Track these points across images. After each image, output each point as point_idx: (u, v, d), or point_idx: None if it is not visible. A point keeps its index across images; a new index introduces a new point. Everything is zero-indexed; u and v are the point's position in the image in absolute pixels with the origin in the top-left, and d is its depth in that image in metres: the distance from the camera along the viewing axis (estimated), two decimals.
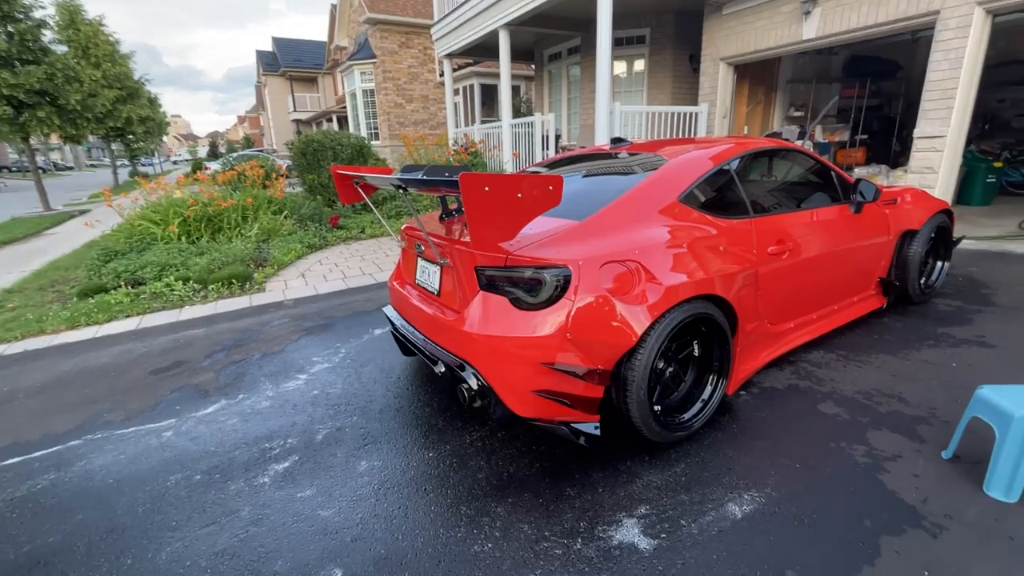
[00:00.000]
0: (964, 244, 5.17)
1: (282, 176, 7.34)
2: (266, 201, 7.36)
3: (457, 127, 12.79)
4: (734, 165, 2.63)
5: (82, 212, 13.45)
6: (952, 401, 2.41)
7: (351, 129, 17.62)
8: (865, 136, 8.79)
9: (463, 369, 2.10)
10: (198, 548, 1.82)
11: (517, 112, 12.73)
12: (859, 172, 7.73)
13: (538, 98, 11.46)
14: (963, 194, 7.57)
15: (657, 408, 2.20)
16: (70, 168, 53.72)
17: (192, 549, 1.82)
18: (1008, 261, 4.62)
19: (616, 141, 3.08)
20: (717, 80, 7.53)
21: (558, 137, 9.49)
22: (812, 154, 3.01)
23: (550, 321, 1.95)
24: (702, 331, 2.29)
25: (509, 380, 2.03)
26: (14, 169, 43.76)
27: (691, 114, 7.70)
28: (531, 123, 8.36)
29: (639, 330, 1.97)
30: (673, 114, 7.70)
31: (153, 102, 29.80)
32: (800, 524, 1.74)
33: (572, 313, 1.94)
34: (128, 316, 4.53)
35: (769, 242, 2.55)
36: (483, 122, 11.92)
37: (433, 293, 2.46)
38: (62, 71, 12.28)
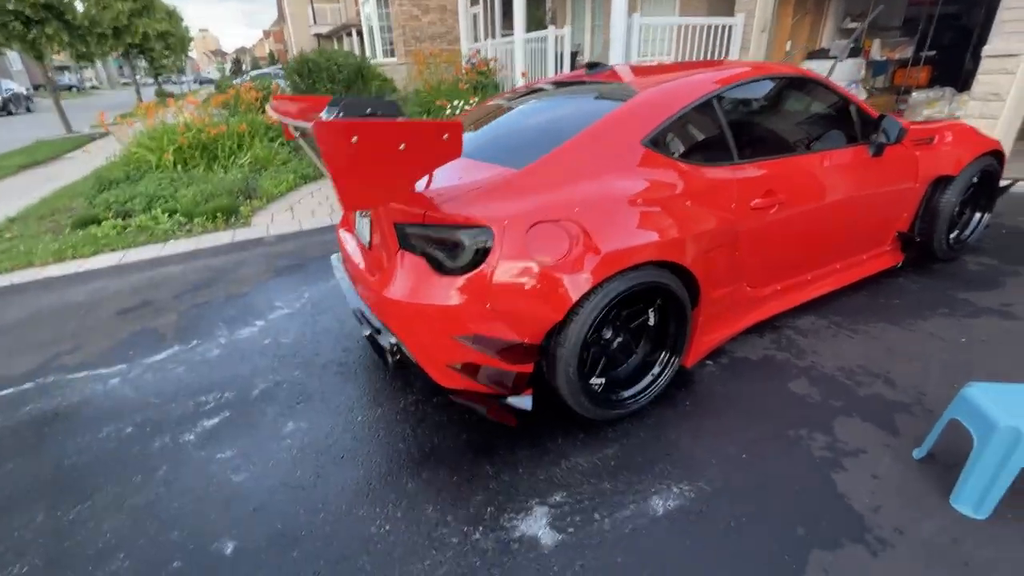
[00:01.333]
0: (1020, 187, 4.50)
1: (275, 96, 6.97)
2: (262, 127, 7.08)
3: (476, 41, 11.83)
4: (720, 100, 2.19)
5: (103, 135, 13.49)
6: (946, 386, 2.10)
7: (367, 45, 16.60)
8: (933, 52, 7.58)
9: (380, 334, 1.93)
10: (106, 510, 1.80)
11: (540, 24, 11.60)
12: (917, 97, 6.78)
13: (560, 8, 10.35)
14: None
15: (599, 382, 1.99)
16: (96, 87, 53.81)
17: (100, 510, 1.80)
18: None
19: (592, 67, 2.62)
20: None
21: (575, 54, 8.61)
22: (827, 82, 2.49)
23: (469, 289, 1.71)
24: (657, 300, 2.01)
25: (430, 351, 1.85)
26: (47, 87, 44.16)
27: (724, 27, 6.76)
28: (544, 38, 7.56)
29: (567, 303, 1.72)
30: (703, 27, 6.78)
31: (172, 15, 28.85)
32: (725, 528, 1.56)
33: (492, 281, 1.70)
34: (113, 250, 4.52)
35: (754, 193, 2.17)
36: (503, 36, 10.95)
37: (365, 246, 2.24)
38: None
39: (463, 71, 8.81)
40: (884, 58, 7.56)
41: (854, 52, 6.79)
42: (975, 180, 3.11)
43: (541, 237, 1.72)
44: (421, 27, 14.74)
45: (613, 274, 1.77)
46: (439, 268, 1.77)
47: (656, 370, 2.08)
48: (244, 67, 52.86)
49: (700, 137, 2.18)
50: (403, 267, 1.84)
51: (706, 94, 2.14)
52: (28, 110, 25.32)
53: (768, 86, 2.45)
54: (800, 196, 2.33)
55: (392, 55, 15.54)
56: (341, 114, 1.75)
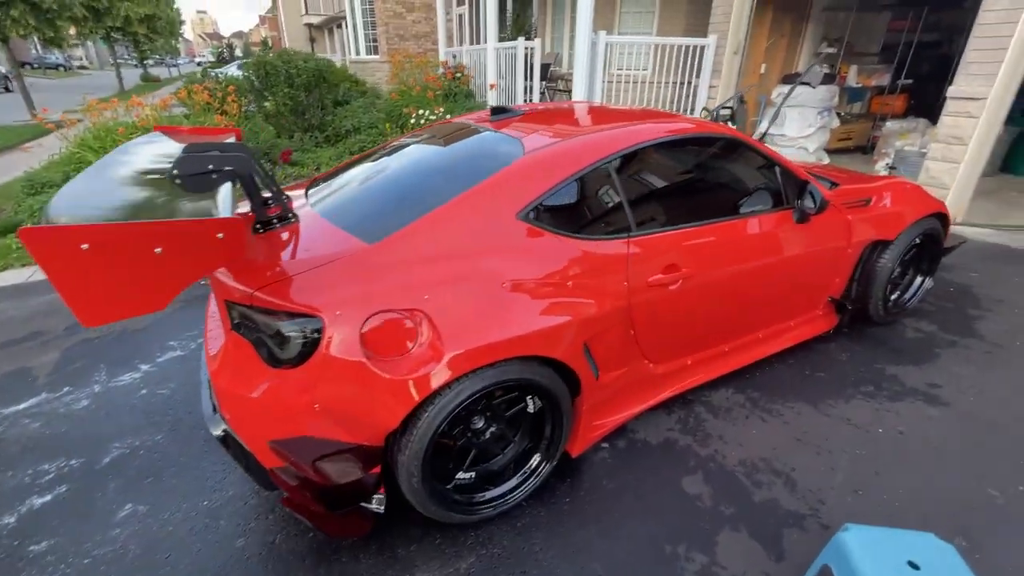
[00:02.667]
0: (980, 235, 4.35)
1: (230, 98, 6.66)
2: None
3: (456, 44, 11.57)
4: (619, 165, 1.98)
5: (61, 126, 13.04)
6: (849, 492, 1.91)
7: (349, 41, 16.24)
8: (910, 81, 7.44)
9: (214, 413, 1.71)
10: None
11: (524, 34, 11.34)
12: (890, 127, 6.63)
13: (541, 17, 10.12)
14: (1012, 162, 6.46)
15: (466, 477, 1.80)
16: (84, 67, 52.65)
17: None
18: None
19: (496, 112, 2.40)
20: (732, 4, 6.29)
21: (547, 66, 8.37)
22: (752, 143, 2.29)
23: (295, 385, 1.49)
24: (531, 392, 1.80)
25: (263, 450, 1.63)
26: (36, 66, 43.22)
27: (696, 48, 6.56)
28: (513, 48, 7.32)
29: (404, 408, 1.51)
30: (674, 48, 6.57)
31: None
32: None
33: (320, 377, 1.48)
34: (24, 265, 4.25)
35: (654, 267, 1.96)
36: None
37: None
38: None
39: (435, 77, 8.54)
40: (860, 85, 7.41)
41: (828, 78, 6.61)
42: (917, 242, 2.93)
43: (379, 330, 1.50)
44: (405, 25, 14.42)
45: (462, 375, 1.55)
46: (270, 357, 1.54)
47: (531, 465, 1.87)
48: (236, 53, 52.05)
49: (591, 208, 1.96)
50: (231, 350, 1.62)
51: (600, 159, 1.93)
52: (7, 89, 24.62)
53: (681, 148, 2.23)
54: (711, 267, 2.13)
55: (375, 52, 15.21)
56: (176, 171, 1.53)
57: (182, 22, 44.05)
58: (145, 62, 31.22)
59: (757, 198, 2.32)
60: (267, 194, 2.29)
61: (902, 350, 2.78)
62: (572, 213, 1.90)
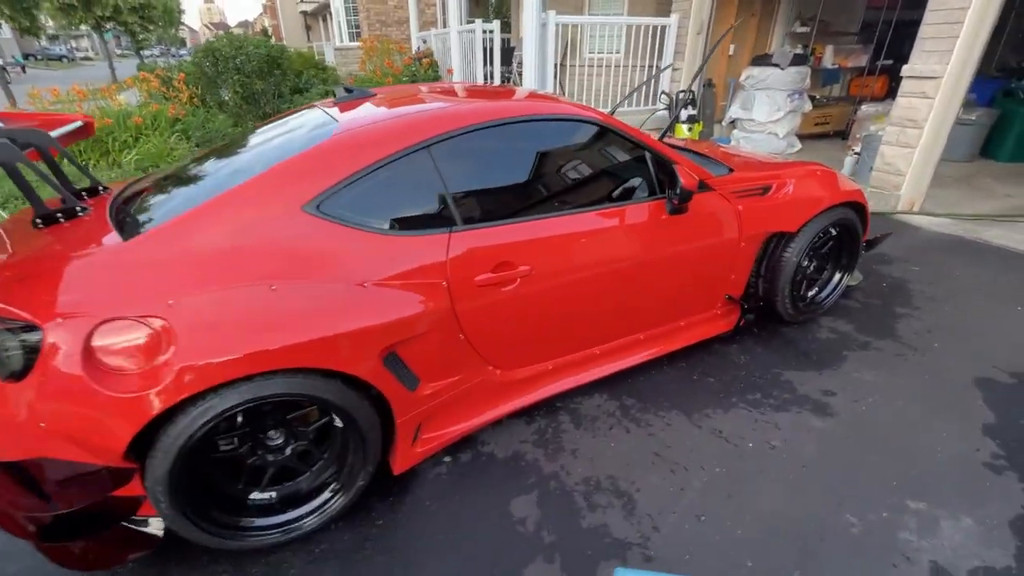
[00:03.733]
0: (934, 224, 4.07)
1: (179, 84, 6.48)
2: (166, 119, 6.62)
3: (430, 29, 11.26)
4: (441, 149, 1.76)
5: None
6: (691, 519, 1.71)
7: (332, 27, 15.96)
8: (890, 62, 7.05)
9: None
10: None
11: (497, 14, 11.01)
12: (865, 110, 6.29)
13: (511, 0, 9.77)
14: (991, 147, 6.10)
15: (265, 497, 1.64)
16: (88, 58, 52.80)
17: None
18: (973, 258, 3.56)
19: (349, 91, 2.19)
20: None
21: (511, 50, 8.07)
22: (615, 126, 2.06)
23: (18, 401, 1.32)
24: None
25: None
26: (39, 58, 43.40)
27: (658, 28, 6.24)
28: (472, 31, 7.05)
29: (127, 430, 1.32)
30: (633, 28, 6.26)
31: None
32: None
33: (41, 394, 1.30)
34: None
35: (482, 266, 1.76)
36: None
37: None
38: None
39: (393, 63, 8.29)
40: (836, 66, 7.04)
41: (799, 59, 6.26)
42: (829, 235, 2.69)
43: (112, 339, 1.32)
44: (387, 11, 14.10)
45: (204, 391, 1.37)
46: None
47: (320, 500, 1.69)
48: None
49: (405, 198, 1.75)
50: None
51: (416, 143, 1.71)
52: (5, 80, 24.69)
53: (526, 131, 2.00)
54: (560, 265, 1.92)
55: (357, 39, 14.92)
56: None
57: (182, 11, 43.87)
58: (141, 52, 31.10)
59: (621, 187, 2.10)
60: (86, 186, 2.13)
61: (808, 353, 2.55)
62: (380, 204, 1.69)
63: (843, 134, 7.33)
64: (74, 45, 55.03)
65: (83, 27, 21.82)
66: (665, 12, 7.16)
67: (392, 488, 1.85)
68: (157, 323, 1.34)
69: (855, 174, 5.35)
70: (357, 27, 14.95)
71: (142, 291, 1.38)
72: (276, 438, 1.65)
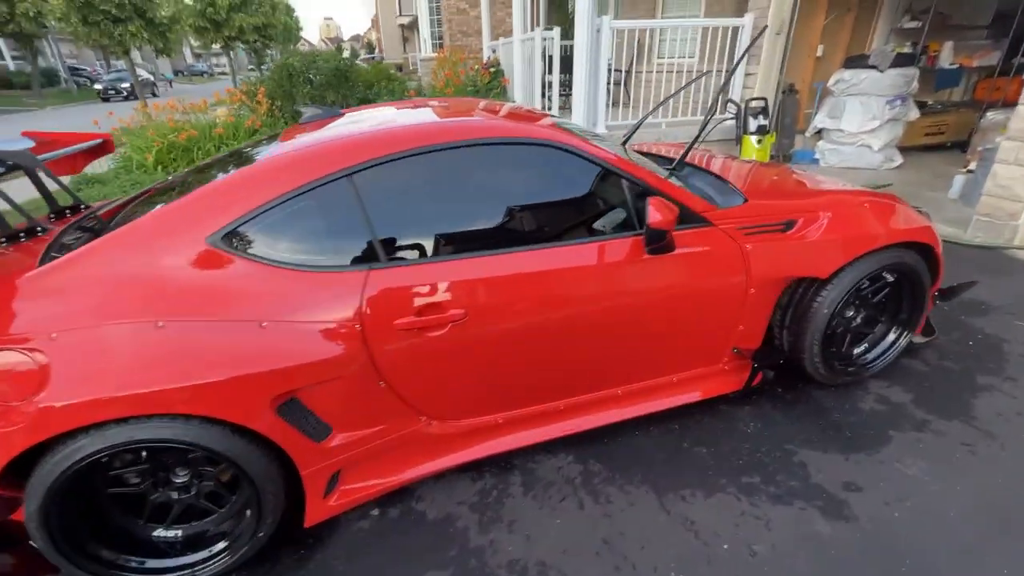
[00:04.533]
0: None
1: (259, 98, 6.99)
2: (244, 130, 7.16)
3: (503, 38, 11.26)
4: (367, 175, 1.59)
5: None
6: None
7: (421, 39, 16.58)
8: None
9: None
10: None
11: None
12: (991, 118, 5.23)
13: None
14: None
15: (170, 536, 1.58)
16: (224, 73, 59.81)
17: None
18: None
19: (317, 112, 2.10)
20: None
21: (569, 58, 7.75)
22: (582, 150, 1.75)
23: None
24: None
25: None
26: (185, 73, 50.02)
27: (732, 30, 5.65)
28: (532, 39, 6.87)
29: None
30: (709, 30, 5.71)
31: (276, 8, 31.02)
32: None
33: None
34: None
35: (402, 309, 1.57)
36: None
37: None
38: None
39: (454, 73, 8.33)
40: (956, 65, 5.94)
41: (904, 59, 5.35)
42: (889, 281, 2.16)
43: None
44: (467, 21, 14.36)
45: (76, 429, 1.31)
46: None
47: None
48: (344, 55, 56.06)
49: (323, 231, 1.60)
50: None
51: (335, 171, 1.56)
52: (154, 95, 28.66)
53: (467, 155, 1.72)
54: (505, 309, 1.67)
55: (441, 49, 15.38)
56: None
57: (300, 28, 48.44)
58: (262, 66, 34.59)
59: (589, 221, 1.80)
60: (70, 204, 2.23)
61: (839, 427, 2.05)
62: (293, 238, 1.56)
63: (963, 145, 6.18)
64: (214, 62, 62.74)
65: (215, 46, 24.76)
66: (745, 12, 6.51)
67: (307, 539, 1.71)
68: (38, 356, 1.31)
69: (965, 196, 4.44)
70: (440, 38, 15.41)
71: (30, 321, 1.36)
72: (182, 476, 1.58)
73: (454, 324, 1.61)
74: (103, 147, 2.65)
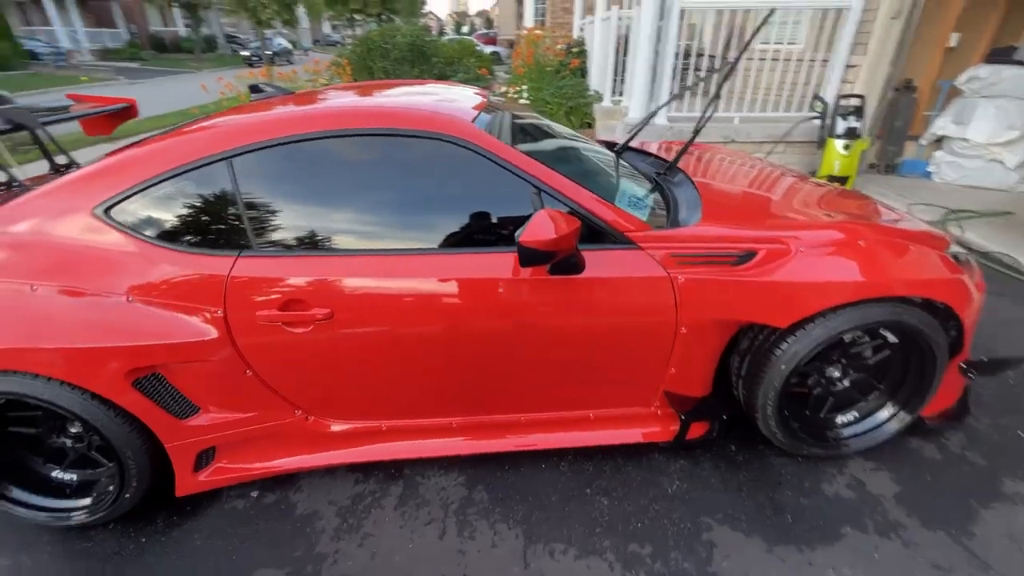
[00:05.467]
0: None
1: (342, 68, 7.32)
2: None
3: (589, 15, 10.71)
4: (246, 159, 1.55)
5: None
6: None
7: (526, 14, 16.32)
8: None
9: None
10: None
11: None
12: None
13: None
14: None
15: (68, 479, 1.74)
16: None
17: None
18: None
19: (254, 90, 2.09)
20: None
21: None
22: (483, 146, 1.54)
23: None
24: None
25: None
26: (321, 43, 54.18)
27: (832, 13, 4.80)
28: (609, 19, 6.41)
29: None
30: (798, 12, 4.91)
31: None
32: None
33: None
34: None
35: (265, 301, 1.53)
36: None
37: None
38: None
39: (530, 52, 8.05)
40: None
41: None
42: (893, 341, 1.72)
43: None
44: None
45: None
46: None
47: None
48: (463, 30, 57.38)
49: (203, 213, 1.57)
50: None
51: (214, 153, 1.54)
52: (289, 63, 31.46)
53: (361, 144, 1.58)
54: (375, 314, 1.57)
55: (542, 25, 15.04)
56: None
57: (424, 2, 50.22)
58: None
59: (488, 229, 1.61)
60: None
61: (783, 508, 1.68)
62: (172, 216, 1.57)
63: None
64: (347, 33, 67.52)
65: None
66: None
67: (185, 506, 1.78)
68: None
69: None
70: (543, 15, 15.06)
71: None
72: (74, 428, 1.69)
73: (318, 323, 1.54)
74: (128, 111, 2.90)
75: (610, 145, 2.43)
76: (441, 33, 49.51)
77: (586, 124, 7.12)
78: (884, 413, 1.82)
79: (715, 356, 1.74)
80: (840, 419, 1.87)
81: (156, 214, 1.56)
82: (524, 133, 1.92)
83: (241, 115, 1.70)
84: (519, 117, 2.06)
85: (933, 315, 1.64)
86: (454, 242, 1.60)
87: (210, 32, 31.73)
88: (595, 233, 1.59)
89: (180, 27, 30.97)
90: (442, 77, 8.23)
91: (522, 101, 6.98)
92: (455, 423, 1.81)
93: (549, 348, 1.65)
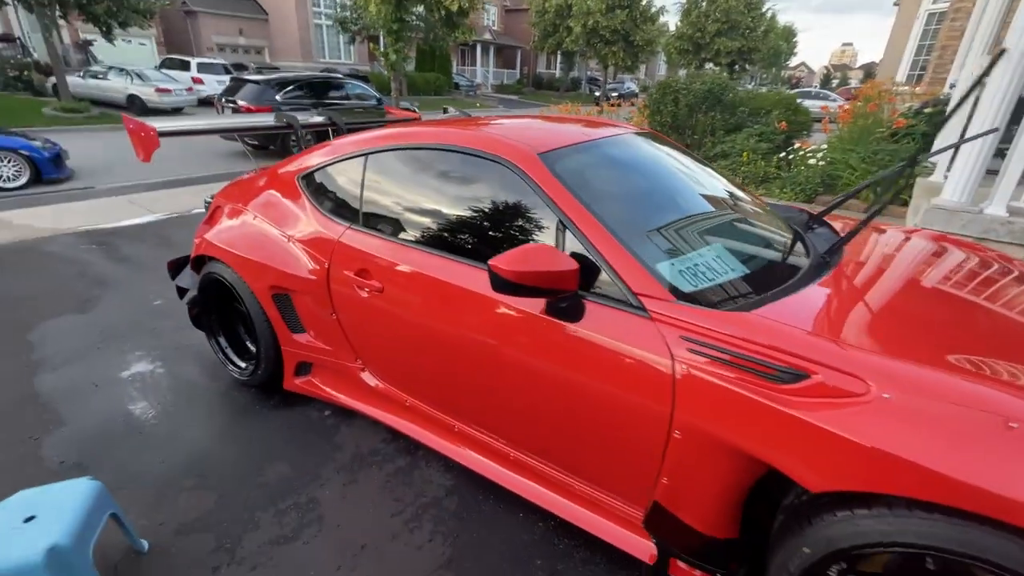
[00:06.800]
0: None
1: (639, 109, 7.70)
2: None
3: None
4: (371, 158, 2.02)
5: None
6: None
7: (902, 66, 13.47)
8: None
9: None
10: None
11: None
12: None
13: None
14: None
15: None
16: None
17: None
18: None
19: (444, 112, 2.51)
20: None
21: None
22: (530, 173, 1.51)
23: None
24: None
25: None
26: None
27: None
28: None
29: None
30: None
31: (770, 32, 31.18)
32: None
33: None
34: None
35: (351, 264, 1.96)
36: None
37: None
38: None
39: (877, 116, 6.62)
40: None
41: None
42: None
43: None
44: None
45: None
46: None
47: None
48: (833, 83, 51.12)
49: (340, 191, 2.04)
50: None
51: (357, 151, 2.05)
52: (633, 104, 34.30)
53: (454, 158, 1.74)
54: (407, 294, 1.81)
55: (917, 81, 12.19)
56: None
57: (793, 53, 46.86)
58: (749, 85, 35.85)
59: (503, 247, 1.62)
60: None
61: None
62: (329, 188, 2.15)
63: None
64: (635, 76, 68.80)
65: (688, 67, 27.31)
66: None
67: (290, 399, 2.40)
68: None
69: None
70: (924, 68, 12.20)
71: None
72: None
73: (373, 292, 1.87)
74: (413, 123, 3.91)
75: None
76: (794, 86, 45.31)
77: (903, 202, 5.59)
78: None
79: (729, 487, 1.30)
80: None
81: (320, 184, 2.18)
82: (645, 174, 1.87)
83: (404, 128, 2.17)
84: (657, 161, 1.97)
85: None
86: (480, 255, 1.67)
87: (577, 75, 37.43)
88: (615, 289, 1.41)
89: (557, 70, 37.58)
90: (734, 129, 7.75)
91: (811, 161, 5.98)
92: (456, 427, 1.88)
93: (531, 386, 1.56)
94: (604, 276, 1.43)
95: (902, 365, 1.10)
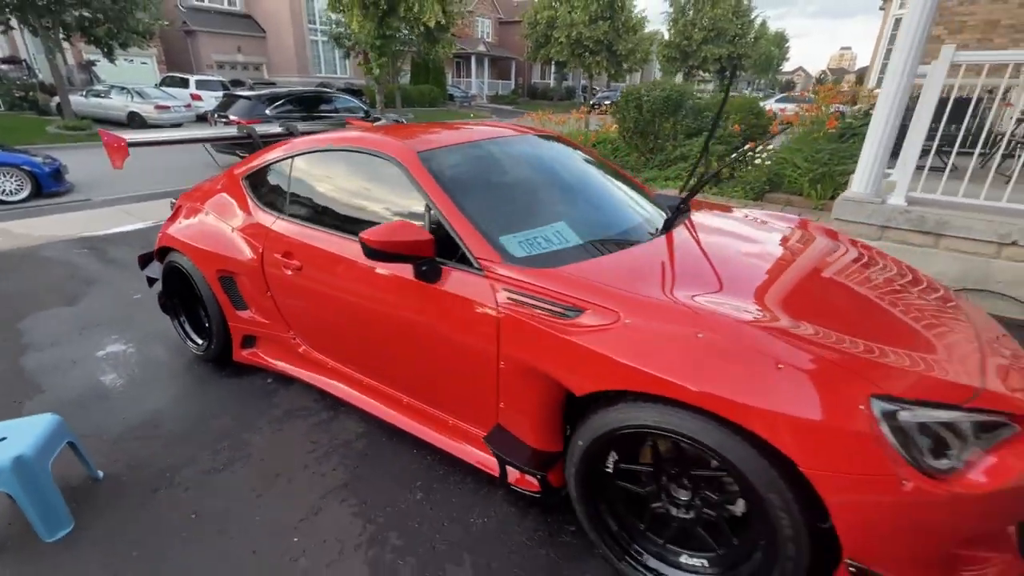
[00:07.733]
0: None
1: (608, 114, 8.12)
2: (587, 137, 8.59)
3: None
4: (297, 159, 2.40)
5: None
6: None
7: (873, 73, 13.85)
8: None
9: None
10: None
11: None
12: None
13: None
14: None
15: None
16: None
17: None
18: None
19: (374, 121, 2.90)
20: None
21: None
22: (404, 162, 1.90)
23: None
24: None
25: None
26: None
27: None
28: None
29: None
30: None
31: (760, 38, 31.69)
32: None
33: None
34: None
35: (279, 247, 2.35)
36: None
37: None
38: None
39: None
40: None
41: None
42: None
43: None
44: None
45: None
46: None
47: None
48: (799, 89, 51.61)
49: (276, 186, 2.45)
50: None
51: (286, 154, 2.44)
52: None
53: (354, 157, 2.15)
54: (318, 271, 2.19)
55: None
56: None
57: (785, 59, 47.45)
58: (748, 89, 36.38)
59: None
60: None
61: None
62: (264, 184, 2.55)
63: None
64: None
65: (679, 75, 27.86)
66: None
67: (238, 370, 2.77)
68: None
69: None
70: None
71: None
72: None
73: (295, 270, 2.26)
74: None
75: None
76: (787, 89, 45.86)
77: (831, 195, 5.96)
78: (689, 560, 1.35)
79: (543, 406, 1.66)
80: (687, 560, 1.47)
81: (258, 182, 2.57)
82: (524, 165, 2.32)
83: (329, 133, 2.56)
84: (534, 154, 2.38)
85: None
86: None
87: (571, 84, 38.08)
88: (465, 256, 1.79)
89: (551, 80, 38.23)
90: (693, 133, 8.13)
91: (757, 161, 6.35)
92: (364, 381, 2.25)
93: (406, 337, 1.93)
94: (460, 247, 1.80)
95: (643, 299, 1.47)
